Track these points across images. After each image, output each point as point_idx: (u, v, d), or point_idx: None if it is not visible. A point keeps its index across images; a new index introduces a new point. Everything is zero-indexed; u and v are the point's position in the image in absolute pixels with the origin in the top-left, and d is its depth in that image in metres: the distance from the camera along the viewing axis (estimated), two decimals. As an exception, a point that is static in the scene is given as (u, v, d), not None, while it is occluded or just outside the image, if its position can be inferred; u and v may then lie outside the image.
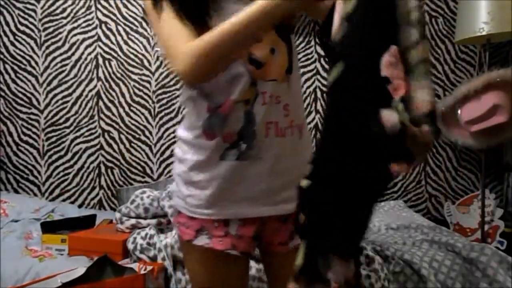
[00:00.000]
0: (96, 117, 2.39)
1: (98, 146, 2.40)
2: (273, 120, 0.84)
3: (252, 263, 1.36)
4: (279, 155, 0.85)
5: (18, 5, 2.35)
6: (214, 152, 0.84)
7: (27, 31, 2.36)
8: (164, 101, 2.42)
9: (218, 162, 0.84)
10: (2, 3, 2.34)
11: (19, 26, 2.35)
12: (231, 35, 0.71)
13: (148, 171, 2.43)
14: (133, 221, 1.61)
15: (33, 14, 2.36)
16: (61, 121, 2.38)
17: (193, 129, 0.87)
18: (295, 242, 0.90)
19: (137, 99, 2.41)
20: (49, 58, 2.37)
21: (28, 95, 2.37)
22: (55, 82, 2.37)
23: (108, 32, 2.39)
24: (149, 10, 0.81)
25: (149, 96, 2.41)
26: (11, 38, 2.35)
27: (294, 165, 0.86)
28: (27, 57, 2.36)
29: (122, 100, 2.40)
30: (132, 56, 2.40)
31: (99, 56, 2.39)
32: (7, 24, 2.35)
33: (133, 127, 2.41)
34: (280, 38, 0.85)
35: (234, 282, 0.93)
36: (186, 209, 0.89)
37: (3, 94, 2.35)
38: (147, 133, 2.42)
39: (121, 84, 2.40)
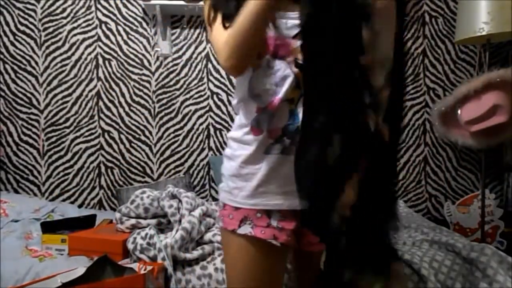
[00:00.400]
0: (96, 117, 2.39)
1: (98, 146, 2.40)
2: None
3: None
4: None
5: (18, 5, 2.35)
6: (259, 147, 0.93)
7: (27, 31, 2.36)
8: (164, 101, 2.42)
9: (263, 156, 0.93)
10: (2, 3, 2.34)
11: (19, 26, 2.35)
12: (241, 26, 0.83)
13: (148, 171, 2.43)
14: (133, 221, 1.60)
15: (33, 14, 2.36)
16: (61, 121, 2.38)
17: (242, 127, 0.97)
18: None
19: (137, 99, 2.41)
20: (49, 58, 2.37)
21: (28, 95, 2.37)
22: (55, 82, 2.37)
23: (108, 32, 2.39)
24: (208, 21, 0.94)
25: (149, 96, 2.41)
26: (11, 38, 2.35)
27: None
28: (27, 57, 2.36)
29: (122, 100, 2.40)
30: (132, 56, 2.40)
31: (99, 56, 2.39)
32: (7, 24, 2.35)
33: (133, 127, 2.41)
34: None
35: (272, 272, 0.98)
36: (231, 200, 0.97)
37: (3, 94, 2.35)
38: (147, 133, 2.42)
39: (121, 84, 2.40)
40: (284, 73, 0.91)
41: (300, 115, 0.90)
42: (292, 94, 0.91)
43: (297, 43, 0.90)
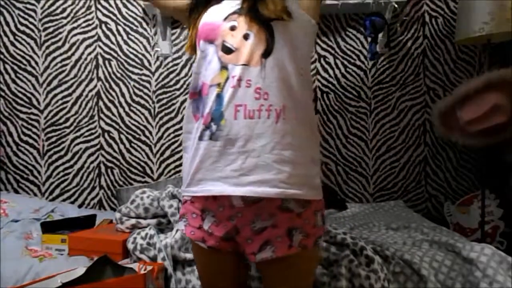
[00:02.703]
0: (96, 117, 2.39)
1: (98, 146, 2.40)
2: (242, 103, 0.86)
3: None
4: (249, 136, 0.85)
5: (18, 5, 2.35)
6: (196, 133, 0.92)
7: (27, 31, 2.36)
8: (164, 101, 2.42)
9: (198, 142, 0.91)
10: (2, 3, 2.34)
11: (19, 26, 2.35)
12: None
13: (148, 171, 2.43)
14: (133, 221, 1.60)
15: (33, 14, 2.36)
16: (61, 121, 2.38)
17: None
18: (262, 255, 0.92)
19: (137, 99, 2.41)
20: (49, 58, 2.37)
21: (28, 95, 2.37)
22: (55, 82, 2.37)
23: (108, 32, 2.39)
24: None
25: (149, 96, 2.41)
26: (11, 38, 2.35)
27: (267, 147, 0.86)
28: (27, 57, 2.36)
29: (122, 100, 2.40)
30: (132, 56, 2.40)
31: (99, 56, 2.39)
32: (7, 24, 2.35)
33: (133, 127, 2.41)
34: (258, 24, 0.89)
35: (211, 270, 1.02)
36: (181, 194, 1.02)
37: (3, 94, 2.35)
38: (147, 133, 2.42)
39: (121, 84, 2.40)
40: (210, 58, 0.91)
41: (225, 99, 0.86)
42: (219, 79, 0.88)
43: (225, 26, 0.90)
